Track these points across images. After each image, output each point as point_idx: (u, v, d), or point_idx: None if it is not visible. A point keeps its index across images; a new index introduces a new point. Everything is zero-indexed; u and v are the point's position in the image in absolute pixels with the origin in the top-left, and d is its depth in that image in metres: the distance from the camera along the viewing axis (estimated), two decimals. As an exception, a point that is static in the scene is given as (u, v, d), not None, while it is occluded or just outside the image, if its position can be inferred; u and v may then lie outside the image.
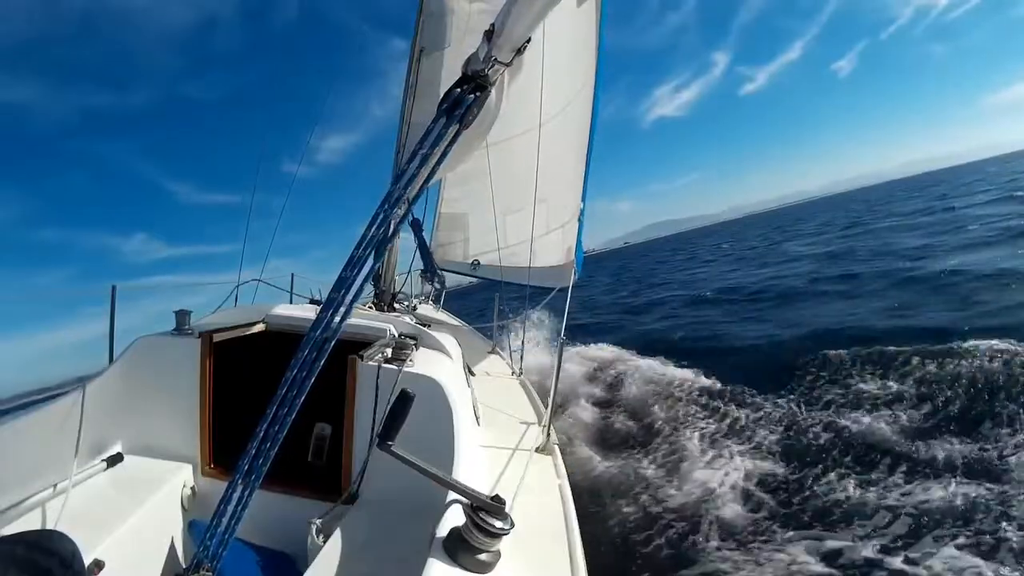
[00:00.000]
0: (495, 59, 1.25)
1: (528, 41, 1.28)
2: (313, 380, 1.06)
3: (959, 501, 3.27)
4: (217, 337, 2.21)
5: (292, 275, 4.36)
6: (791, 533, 3.27)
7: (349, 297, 1.11)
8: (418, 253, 5.28)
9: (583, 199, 4.62)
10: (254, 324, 2.43)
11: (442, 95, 1.29)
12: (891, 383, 5.25)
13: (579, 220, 4.60)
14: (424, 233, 4.79)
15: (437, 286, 5.45)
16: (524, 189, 4.23)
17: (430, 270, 5.01)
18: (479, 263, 6.43)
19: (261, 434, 1.04)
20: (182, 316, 2.34)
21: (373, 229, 1.14)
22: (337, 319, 1.09)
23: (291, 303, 3.79)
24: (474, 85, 1.25)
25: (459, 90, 1.25)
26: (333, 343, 1.09)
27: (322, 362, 1.07)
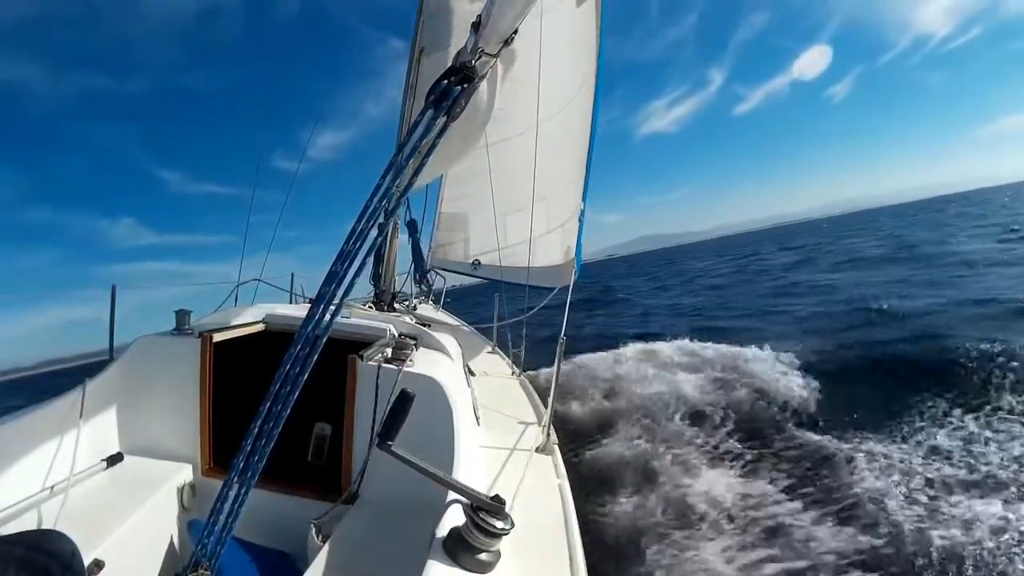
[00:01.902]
0: (482, 50, 1.25)
1: (515, 33, 1.28)
2: (307, 376, 1.06)
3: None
4: (217, 337, 2.21)
5: (292, 275, 4.36)
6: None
7: (340, 292, 1.10)
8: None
9: (584, 199, 4.61)
10: (254, 324, 2.43)
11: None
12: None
13: (580, 220, 4.60)
14: (425, 233, 4.80)
15: (424, 288, 5.44)
16: (524, 189, 4.22)
17: (419, 271, 5.01)
18: (479, 263, 6.42)
19: (256, 431, 1.04)
20: (182, 316, 2.34)
21: (363, 223, 1.13)
22: (328, 314, 1.09)
23: (291, 303, 3.79)
24: (461, 76, 1.24)
25: (446, 82, 1.25)
26: (326, 338, 1.08)
27: (315, 358, 1.07)
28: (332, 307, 1.09)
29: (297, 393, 1.05)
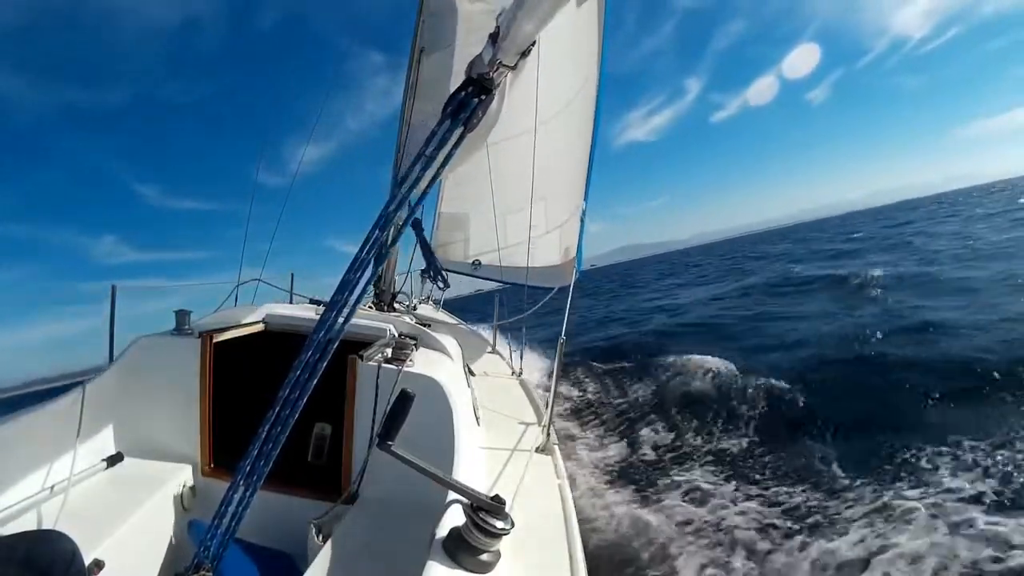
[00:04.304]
0: (500, 62, 1.25)
1: (533, 44, 1.28)
2: (316, 381, 1.07)
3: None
4: (217, 337, 2.21)
5: (292, 275, 4.36)
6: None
7: (353, 299, 1.11)
8: (419, 252, 5.27)
9: (585, 198, 4.60)
10: (254, 324, 2.43)
11: (444, 96, 1.28)
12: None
13: (581, 219, 4.59)
14: (424, 233, 4.79)
15: (440, 286, 5.39)
16: (524, 189, 4.23)
17: (433, 269, 4.98)
18: (480, 263, 6.41)
19: (263, 435, 1.04)
20: (182, 316, 2.34)
21: (377, 232, 1.14)
22: (340, 321, 1.10)
23: (291, 303, 3.79)
24: (479, 88, 1.25)
25: (463, 93, 1.25)
26: (336, 344, 1.09)
27: (325, 363, 1.07)
28: (344, 313, 1.10)
29: (306, 398, 1.06)
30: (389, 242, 1.18)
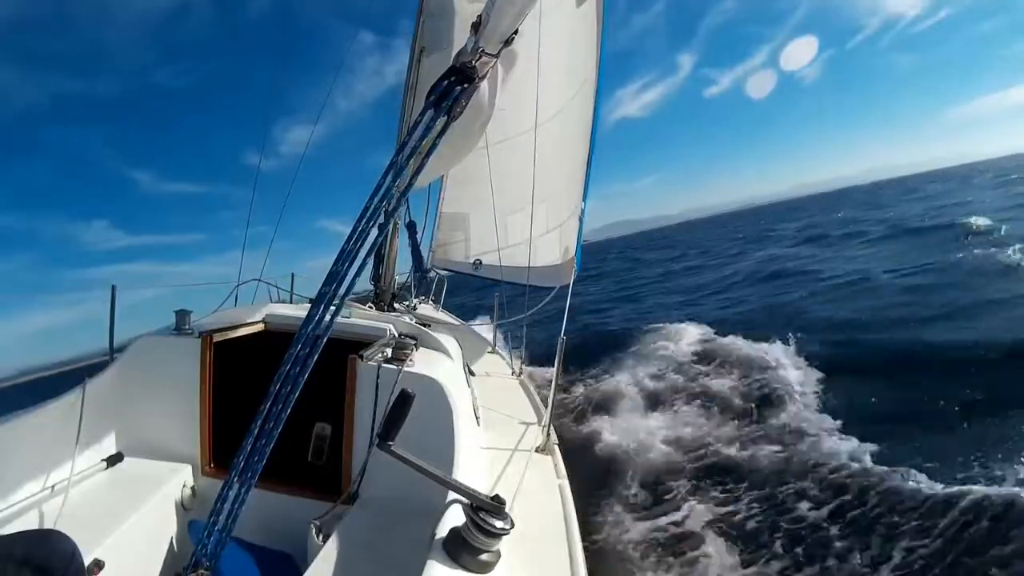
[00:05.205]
0: (483, 50, 1.25)
1: (516, 33, 1.28)
2: (307, 376, 1.06)
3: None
4: (217, 337, 2.21)
5: (292, 275, 4.36)
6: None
7: (341, 291, 1.10)
8: (422, 255, 5.30)
9: (584, 198, 4.61)
10: (254, 324, 2.43)
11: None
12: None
13: (580, 219, 4.60)
14: (425, 233, 4.79)
15: (422, 289, 5.43)
16: (524, 188, 4.23)
17: (418, 270, 5.05)
18: (480, 263, 6.41)
19: (256, 431, 1.04)
20: (182, 316, 2.34)
21: (364, 222, 1.13)
22: (329, 314, 1.09)
23: (291, 303, 3.79)
24: (462, 77, 1.25)
25: (446, 82, 1.25)
26: (326, 338, 1.08)
27: (315, 358, 1.07)
28: (332, 307, 1.09)
29: (297, 393, 1.05)
30: (378, 234, 1.17)
